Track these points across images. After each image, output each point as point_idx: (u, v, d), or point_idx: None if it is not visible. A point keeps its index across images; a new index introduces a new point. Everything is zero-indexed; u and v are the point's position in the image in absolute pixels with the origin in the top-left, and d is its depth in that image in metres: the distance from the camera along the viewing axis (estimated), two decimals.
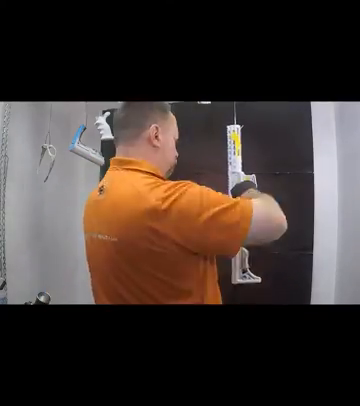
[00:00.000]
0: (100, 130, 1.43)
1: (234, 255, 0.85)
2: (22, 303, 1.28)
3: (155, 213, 0.70)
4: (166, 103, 0.91)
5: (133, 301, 0.77)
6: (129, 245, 0.74)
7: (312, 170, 1.49)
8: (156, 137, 0.84)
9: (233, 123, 1.21)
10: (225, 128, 1.22)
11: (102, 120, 1.43)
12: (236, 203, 0.75)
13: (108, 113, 1.45)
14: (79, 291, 1.89)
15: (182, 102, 1.53)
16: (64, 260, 1.88)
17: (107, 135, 1.41)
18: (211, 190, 0.77)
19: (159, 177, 0.82)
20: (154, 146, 0.84)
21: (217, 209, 0.72)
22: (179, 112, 1.64)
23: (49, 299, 1.26)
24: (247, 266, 1.18)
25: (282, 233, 0.80)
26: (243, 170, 1.21)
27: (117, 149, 0.89)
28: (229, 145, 1.19)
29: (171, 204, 0.70)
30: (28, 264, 1.62)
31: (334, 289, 1.45)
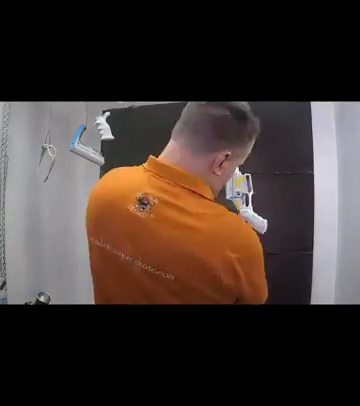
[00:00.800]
0: (100, 130, 1.43)
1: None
2: (22, 303, 1.28)
3: (231, 264, 0.64)
4: (254, 129, 0.76)
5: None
6: (189, 285, 0.65)
7: (312, 170, 1.49)
8: (220, 165, 0.70)
9: None
10: None
11: (102, 120, 1.43)
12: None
13: (108, 113, 1.45)
14: (79, 291, 1.89)
15: (182, 102, 1.53)
16: (64, 260, 1.88)
17: (107, 135, 1.41)
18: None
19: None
20: (214, 173, 0.71)
21: (263, 281, 0.77)
22: (179, 112, 1.64)
23: (49, 299, 1.27)
24: None
25: None
26: (242, 170, 1.21)
27: (171, 145, 0.75)
28: None
29: (247, 257, 0.66)
30: (28, 264, 1.62)
31: (334, 289, 1.45)
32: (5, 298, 1.35)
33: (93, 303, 0.90)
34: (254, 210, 1.17)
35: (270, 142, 1.52)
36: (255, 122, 0.75)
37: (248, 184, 1.18)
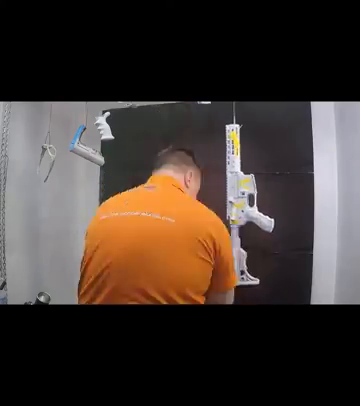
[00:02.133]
0: (100, 130, 1.43)
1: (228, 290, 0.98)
2: (22, 303, 1.28)
3: (216, 225, 0.91)
4: (199, 162, 1.14)
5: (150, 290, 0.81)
6: (186, 229, 0.86)
7: (312, 170, 1.48)
8: (189, 181, 1.08)
9: (232, 123, 1.21)
10: (225, 129, 1.22)
11: (102, 120, 1.43)
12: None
13: (108, 113, 1.45)
14: None
15: (182, 102, 1.53)
16: (64, 260, 1.88)
17: (107, 135, 1.41)
18: None
19: None
20: (186, 186, 1.07)
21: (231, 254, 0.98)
22: (180, 112, 1.65)
23: (49, 299, 1.26)
24: (245, 267, 1.18)
25: None
26: (242, 170, 1.21)
27: (161, 168, 1.08)
28: (228, 144, 1.20)
29: (223, 232, 0.93)
30: (28, 264, 1.62)
31: (334, 289, 1.45)
32: (5, 298, 1.35)
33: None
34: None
35: (270, 142, 1.52)
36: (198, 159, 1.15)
37: (253, 184, 1.18)
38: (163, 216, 0.86)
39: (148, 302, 0.79)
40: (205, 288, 0.88)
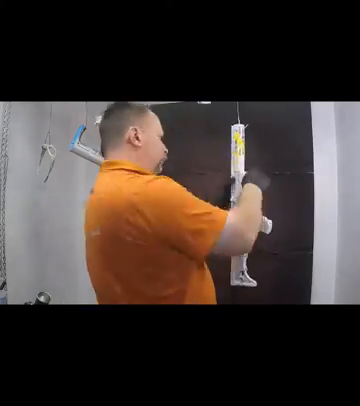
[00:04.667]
0: None
1: (201, 259, 0.83)
2: (22, 303, 1.28)
3: (131, 206, 0.74)
4: (143, 104, 0.96)
5: (123, 295, 0.79)
6: (111, 237, 0.78)
7: (312, 170, 1.48)
8: (136, 138, 0.90)
9: (236, 122, 1.21)
10: (226, 127, 1.22)
11: None
12: (208, 213, 0.77)
13: None
14: (79, 291, 1.89)
15: (183, 102, 1.53)
16: (64, 260, 1.88)
17: None
18: (187, 191, 0.79)
19: (142, 173, 0.85)
20: (135, 146, 0.90)
21: (189, 211, 0.75)
22: (180, 112, 1.65)
23: (49, 299, 1.26)
24: (245, 268, 1.18)
25: (245, 252, 0.83)
26: (245, 170, 1.21)
27: (104, 155, 0.95)
28: (233, 144, 1.19)
29: (147, 197, 0.75)
30: (28, 264, 1.62)
31: (334, 289, 1.45)
32: (5, 298, 1.35)
33: (93, 303, 0.90)
34: None
35: (270, 142, 1.52)
36: (134, 105, 0.95)
37: None
38: (94, 231, 0.82)
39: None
40: (156, 272, 0.77)
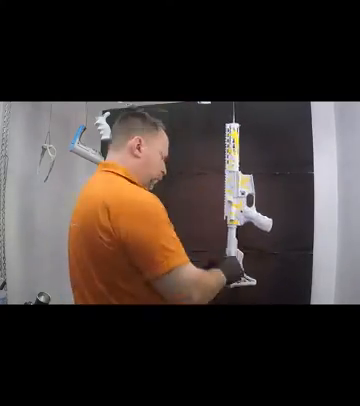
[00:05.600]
0: (100, 130, 1.43)
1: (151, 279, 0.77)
2: (22, 303, 1.28)
3: (106, 211, 0.76)
4: (159, 121, 0.97)
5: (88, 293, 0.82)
6: (85, 232, 0.81)
7: (312, 170, 1.48)
8: (138, 148, 0.91)
9: (232, 121, 1.21)
10: (225, 128, 1.22)
11: (102, 120, 1.43)
12: (171, 251, 0.76)
13: (108, 113, 1.45)
14: None
15: (182, 102, 1.53)
16: (64, 260, 1.87)
17: (107, 135, 1.41)
18: (165, 221, 0.79)
19: (135, 182, 0.87)
20: (134, 155, 0.91)
21: (156, 242, 0.75)
22: (180, 112, 1.64)
23: (49, 299, 1.27)
24: (242, 269, 1.18)
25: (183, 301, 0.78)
26: (242, 170, 1.21)
27: (106, 156, 0.98)
28: (227, 143, 1.19)
29: (122, 208, 0.76)
30: (28, 264, 1.62)
31: (334, 289, 1.45)
32: (5, 298, 1.35)
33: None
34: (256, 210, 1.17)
35: (270, 142, 1.52)
36: (150, 117, 0.97)
37: (252, 184, 1.18)
38: (75, 223, 0.87)
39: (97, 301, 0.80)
40: (120, 274, 0.78)
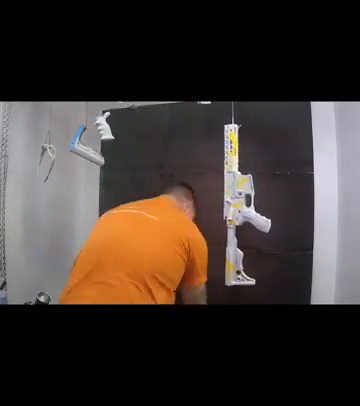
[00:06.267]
0: (100, 130, 1.42)
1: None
2: (22, 303, 1.28)
3: (194, 232, 1.15)
4: (193, 196, 1.43)
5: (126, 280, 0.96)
6: (167, 227, 1.10)
7: (312, 170, 1.48)
8: (185, 210, 1.33)
9: (231, 122, 1.21)
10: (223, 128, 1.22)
11: (102, 120, 1.43)
12: (205, 272, 1.17)
13: (108, 113, 1.45)
14: None
15: (182, 102, 1.53)
16: (64, 260, 1.88)
17: (107, 135, 1.40)
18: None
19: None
20: (187, 212, 1.34)
21: (204, 265, 1.17)
22: (180, 112, 1.65)
23: (49, 299, 1.26)
24: (241, 267, 1.17)
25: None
26: (242, 170, 1.21)
27: (168, 193, 1.36)
28: (226, 144, 1.19)
29: (199, 237, 1.15)
30: (28, 264, 1.62)
31: (334, 289, 1.45)
32: (5, 298, 1.35)
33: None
34: (255, 210, 1.17)
35: (270, 142, 1.52)
36: (193, 197, 1.43)
37: (250, 184, 1.18)
38: (150, 214, 1.12)
39: (114, 282, 0.94)
40: (174, 276, 1.06)
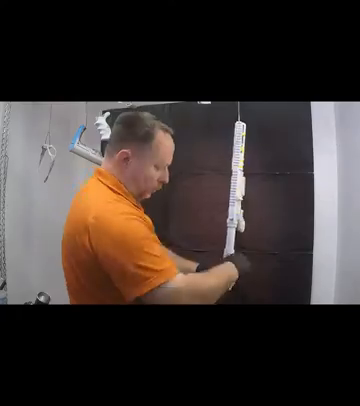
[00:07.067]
0: (100, 130, 1.43)
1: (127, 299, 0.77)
2: (22, 303, 1.28)
3: (87, 233, 0.77)
4: (152, 133, 0.89)
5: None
6: (70, 243, 0.87)
7: (312, 170, 1.48)
8: (125, 160, 0.88)
9: (237, 121, 1.21)
10: (227, 127, 1.22)
11: (102, 120, 1.43)
12: (154, 271, 0.75)
13: (108, 113, 1.45)
14: None
15: (183, 102, 1.53)
16: None
17: (107, 135, 1.41)
18: (145, 243, 0.77)
19: (121, 193, 0.87)
20: (124, 167, 0.89)
21: (131, 265, 0.74)
22: (180, 112, 1.64)
23: (49, 299, 1.27)
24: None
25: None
26: (243, 170, 1.21)
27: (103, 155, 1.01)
28: (237, 141, 1.19)
29: (100, 233, 0.76)
30: (28, 264, 1.62)
31: (334, 289, 1.45)
32: (5, 298, 1.36)
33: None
34: (255, 210, 1.17)
35: (270, 142, 1.52)
36: (144, 125, 0.89)
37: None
38: (65, 233, 0.94)
39: None
40: (105, 296, 0.80)
